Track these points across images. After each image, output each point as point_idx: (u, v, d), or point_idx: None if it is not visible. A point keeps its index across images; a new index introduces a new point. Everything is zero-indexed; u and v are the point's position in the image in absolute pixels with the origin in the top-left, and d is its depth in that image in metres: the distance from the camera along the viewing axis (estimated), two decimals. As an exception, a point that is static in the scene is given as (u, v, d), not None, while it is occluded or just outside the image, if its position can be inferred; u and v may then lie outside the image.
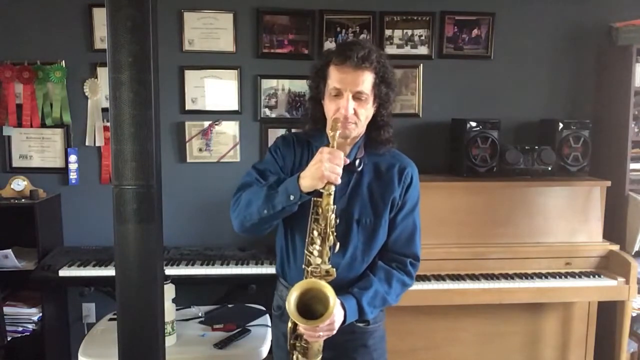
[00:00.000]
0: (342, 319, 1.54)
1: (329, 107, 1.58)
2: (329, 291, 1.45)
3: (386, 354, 1.77)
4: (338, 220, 1.52)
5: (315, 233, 1.50)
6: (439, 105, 3.25)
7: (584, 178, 3.04)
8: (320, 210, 1.48)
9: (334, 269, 1.52)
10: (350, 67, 1.52)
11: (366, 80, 1.54)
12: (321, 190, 1.45)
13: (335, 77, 1.55)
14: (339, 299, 1.52)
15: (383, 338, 1.76)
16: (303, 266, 1.54)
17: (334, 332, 1.53)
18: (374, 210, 1.62)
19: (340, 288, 1.54)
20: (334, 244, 1.52)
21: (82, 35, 3.05)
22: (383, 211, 1.63)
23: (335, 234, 1.51)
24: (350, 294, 1.59)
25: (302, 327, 1.51)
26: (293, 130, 3.03)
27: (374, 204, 1.62)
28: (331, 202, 1.47)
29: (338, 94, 1.55)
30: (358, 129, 1.58)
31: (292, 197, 1.47)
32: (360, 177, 1.63)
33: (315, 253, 1.51)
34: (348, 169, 1.56)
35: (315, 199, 1.49)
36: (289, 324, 1.56)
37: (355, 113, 1.54)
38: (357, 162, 1.62)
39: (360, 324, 1.66)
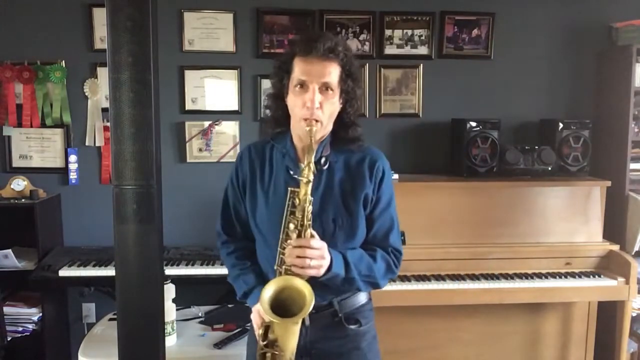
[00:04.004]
0: (329, 260, 1.43)
1: (294, 102, 1.49)
2: (304, 285, 1.37)
3: (380, 355, 1.70)
4: (312, 221, 1.45)
5: (292, 226, 1.41)
6: (439, 105, 3.25)
7: (584, 178, 3.04)
8: (298, 202, 1.40)
9: None
10: (317, 58, 1.44)
11: (333, 72, 1.47)
12: (299, 179, 1.40)
13: (300, 69, 1.46)
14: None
15: (375, 338, 1.69)
16: (275, 267, 1.44)
17: (324, 264, 1.42)
18: (347, 208, 1.55)
19: (323, 290, 1.49)
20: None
21: (82, 35, 3.06)
22: (356, 208, 1.55)
23: (312, 228, 1.43)
24: (334, 250, 1.49)
25: (292, 247, 1.39)
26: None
27: (347, 202, 1.55)
28: (309, 191, 1.40)
29: (303, 86, 1.46)
30: (322, 130, 1.50)
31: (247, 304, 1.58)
32: (332, 176, 1.55)
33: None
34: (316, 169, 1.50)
35: (292, 189, 1.42)
36: (260, 331, 1.44)
37: (320, 107, 1.46)
38: (323, 160, 1.54)
39: (353, 326, 1.60)
